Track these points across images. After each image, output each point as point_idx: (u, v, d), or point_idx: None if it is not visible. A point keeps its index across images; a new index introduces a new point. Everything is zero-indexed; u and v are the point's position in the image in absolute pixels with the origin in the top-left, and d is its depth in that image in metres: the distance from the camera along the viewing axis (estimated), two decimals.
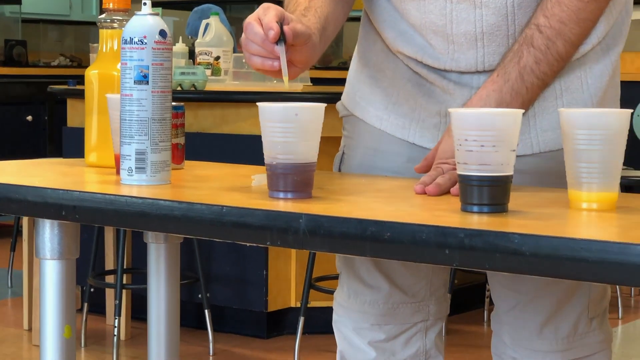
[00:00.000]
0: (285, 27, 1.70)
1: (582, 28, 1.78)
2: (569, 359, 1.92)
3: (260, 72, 1.76)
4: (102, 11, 2.04)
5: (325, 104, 1.63)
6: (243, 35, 1.74)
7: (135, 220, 1.60)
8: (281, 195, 1.58)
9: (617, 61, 1.90)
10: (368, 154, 1.98)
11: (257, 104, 1.60)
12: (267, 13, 1.71)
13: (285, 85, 1.70)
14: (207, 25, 4.84)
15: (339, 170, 2.03)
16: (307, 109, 1.59)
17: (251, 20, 1.72)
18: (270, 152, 1.58)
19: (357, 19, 2.06)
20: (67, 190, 1.67)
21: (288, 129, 1.57)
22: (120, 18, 2.00)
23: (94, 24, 9.26)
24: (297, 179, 1.58)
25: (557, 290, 1.90)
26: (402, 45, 1.89)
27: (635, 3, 1.98)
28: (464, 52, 1.83)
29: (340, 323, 2.06)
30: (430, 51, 1.86)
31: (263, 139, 1.59)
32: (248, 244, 1.52)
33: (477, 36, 1.81)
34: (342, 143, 2.06)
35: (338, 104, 2.07)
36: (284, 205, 1.54)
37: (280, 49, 1.70)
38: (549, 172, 1.83)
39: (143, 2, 1.75)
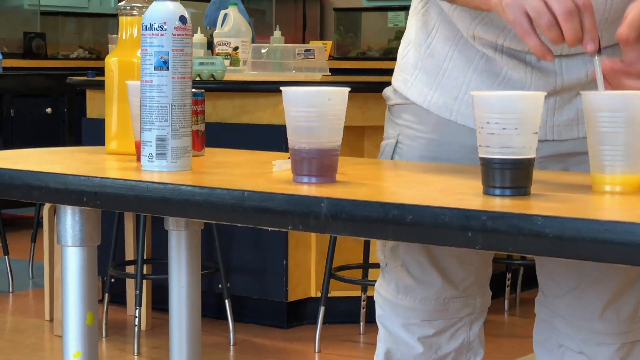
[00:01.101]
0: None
1: None
2: (628, 341, 1.90)
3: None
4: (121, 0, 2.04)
5: (349, 88, 1.63)
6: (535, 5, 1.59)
7: (156, 205, 1.60)
8: (305, 179, 1.58)
9: None
10: (432, 144, 1.92)
11: (281, 88, 1.59)
12: (588, 4, 1.57)
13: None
14: (225, 15, 4.85)
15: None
16: (333, 92, 1.58)
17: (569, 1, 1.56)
18: (295, 136, 1.58)
19: (374, 9, 2.04)
20: (89, 176, 1.68)
21: (312, 113, 1.56)
22: (140, 5, 2.00)
23: (112, 16, 9.29)
24: (321, 164, 1.57)
25: (620, 272, 1.87)
26: (480, 28, 1.83)
27: None
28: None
29: (387, 319, 2.02)
30: (512, 32, 1.79)
31: (287, 124, 1.59)
32: (270, 229, 1.51)
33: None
34: (394, 132, 1.97)
35: (387, 91, 2.00)
36: (305, 189, 1.53)
37: (597, 61, 1.60)
38: (570, 155, 1.81)
39: None
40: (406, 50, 1.99)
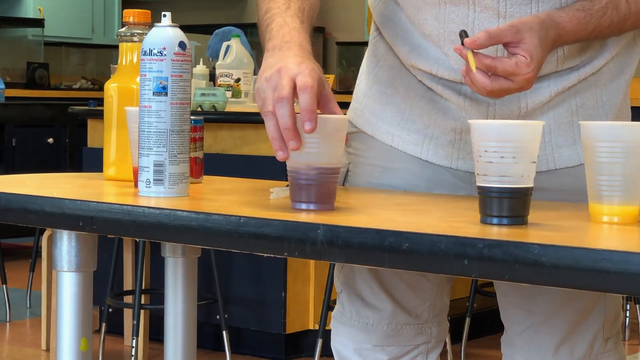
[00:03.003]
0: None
1: None
2: None
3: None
4: (122, 25, 2.04)
5: (348, 116, 1.63)
6: (262, 83, 1.61)
7: (153, 230, 1.60)
8: (304, 206, 1.57)
9: (629, 81, 1.90)
10: (376, 171, 1.95)
11: None
12: (307, 85, 1.57)
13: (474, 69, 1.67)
14: (227, 47, 4.86)
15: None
16: (332, 119, 1.58)
17: (287, 86, 1.58)
18: (294, 163, 1.58)
19: None
20: (85, 200, 1.67)
21: (312, 139, 1.56)
22: (140, 31, 2.00)
23: (116, 47, 9.31)
24: (319, 190, 1.57)
25: (572, 309, 1.87)
26: (416, 58, 1.87)
27: None
28: None
29: (340, 343, 2.02)
30: (446, 63, 1.84)
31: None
32: (266, 256, 1.50)
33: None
34: (346, 160, 2.00)
35: None
36: (301, 215, 1.53)
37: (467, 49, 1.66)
38: (565, 189, 1.81)
39: (163, 14, 1.75)
40: (359, 80, 2.04)
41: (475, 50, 1.66)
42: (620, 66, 1.87)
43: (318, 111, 1.60)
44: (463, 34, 1.67)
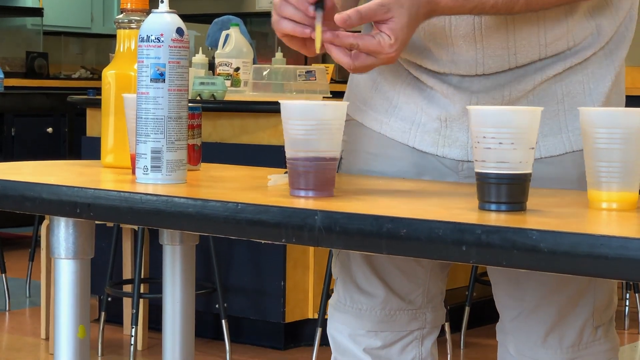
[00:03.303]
0: None
1: (547, 2, 1.75)
2: None
3: (285, 40, 1.71)
4: (120, 12, 2.03)
5: (347, 102, 1.63)
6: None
7: (150, 217, 1.59)
8: (302, 193, 1.57)
9: (622, 67, 1.88)
10: (368, 158, 1.95)
11: (280, 101, 1.59)
12: None
13: (317, 50, 1.67)
14: (227, 36, 4.85)
15: None
16: (331, 106, 1.58)
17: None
18: (292, 149, 1.57)
19: None
20: (82, 187, 1.66)
21: (310, 126, 1.56)
22: (138, 18, 1.99)
23: (114, 36, 9.30)
24: (318, 177, 1.56)
25: (561, 298, 1.87)
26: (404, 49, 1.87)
27: None
28: (463, 54, 1.81)
29: (335, 329, 2.03)
30: (429, 54, 1.84)
31: (285, 137, 1.58)
32: (263, 242, 1.50)
33: (476, 37, 1.79)
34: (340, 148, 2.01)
35: None
36: (299, 202, 1.52)
37: (318, 14, 1.65)
38: (550, 178, 1.81)
39: (160, 0, 1.74)
40: None
41: (341, 30, 1.67)
42: (609, 52, 1.86)
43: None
44: (319, 4, 1.66)
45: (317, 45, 1.67)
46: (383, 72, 1.93)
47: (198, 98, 4.23)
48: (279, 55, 5.15)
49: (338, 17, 1.66)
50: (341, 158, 1.98)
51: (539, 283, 1.86)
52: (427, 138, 1.88)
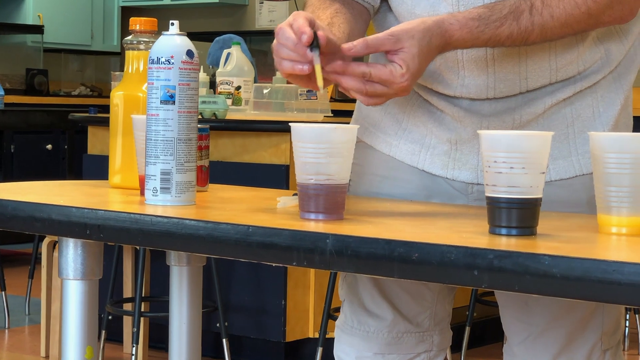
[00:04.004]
0: (319, 32, 1.66)
1: (561, 33, 1.76)
2: None
3: (290, 79, 1.73)
4: (125, 34, 2.04)
5: (357, 126, 1.63)
6: (275, 41, 1.71)
7: (160, 239, 1.59)
8: (312, 216, 1.57)
9: (630, 91, 1.89)
10: (376, 180, 1.96)
11: (290, 124, 1.59)
12: (297, 19, 1.68)
13: (320, 89, 1.68)
14: (228, 55, 4.85)
15: None
16: (341, 130, 1.58)
17: (283, 25, 1.69)
18: (302, 172, 1.57)
19: None
20: (92, 209, 1.67)
21: (320, 149, 1.56)
22: (147, 40, 2.00)
23: (115, 54, 9.32)
24: (328, 200, 1.57)
25: (570, 321, 1.87)
26: None
27: None
28: (474, 78, 1.82)
29: (342, 351, 2.03)
30: (440, 78, 1.85)
31: (295, 160, 1.59)
32: (273, 265, 1.50)
33: (487, 62, 1.80)
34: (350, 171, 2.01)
35: None
36: (310, 225, 1.52)
37: (315, 54, 1.67)
38: (560, 201, 1.81)
39: (170, 22, 1.75)
40: None
41: (353, 59, 1.68)
42: (617, 76, 1.87)
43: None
44: (314, 44, 1.67)
45: (320, 83, 1.68)
46: None
47: (200, 117, 4.23)
48: (279, 74, 5.15)
49: (345, 45, 1.67)
50: (350, 180, 1.98)
51: (548, 306, 1.86)
52: (436, 161, 1.88)
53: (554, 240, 1.44)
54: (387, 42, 1.68)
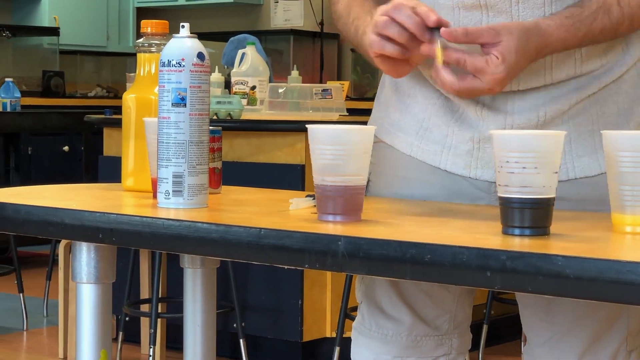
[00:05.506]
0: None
1: None
2: None
3: (378, 60, 1.73)
4: (140, 36, 2.04)
5: (374, 127, 1.63)
6: (381, 17, 1.69)
7: (173, 242, 1.59)
8: (330, 218, 1.57)
9: None
10: (396, 181, 1.94)
11: (307, 126, 1.59)
12: (419, 4, 1.68)
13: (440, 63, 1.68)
14: (243, 55, 4.86)
15: None
16: (357, 131, 1.58)
17: (402, 2, 1.68)
18: (320, 174, 1.57)
19: None
20: (104, 212, 1.67)
21: (338, 151, 1.56)
22: (158, 42, 2.00)
23: (130, 55, 9.33)
24: (346, 202, 1.56)
25: (594, 321, 1.85)
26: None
27: None
28: None
29: (360, 354, 2.01)
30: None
31: (312, 162, 1.58)
32: (286, 267, 1.50)
33: None
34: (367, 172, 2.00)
35: None
36: (322, 227, 1.52)
37: (437, 37, 1.67)
38: (585, 199, 1.80)
39: (181, 25, 1.75)
40: (379, 89, 2.04)
41: (448, 45, 1.66)
42: None
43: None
44: (435, 30, 1.67)
45: (440, 63, 1.68)
46: (414, 94, 1.92)
47: (215, 117, 4.23)
48: (294, 73, 5.16)
49: (444, 30, 1.66)
50: (369, 181, 1.97)
51: (571, 306, 1.84)
52: (458, 161, 1.86)
53: (568, 240, 1.43)
54: (487, 33, 1.67)
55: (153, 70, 2.00)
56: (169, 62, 1.73)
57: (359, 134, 1.58)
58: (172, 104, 1.72)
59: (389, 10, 1.69)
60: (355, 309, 4.05)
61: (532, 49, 1.70)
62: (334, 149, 1.56)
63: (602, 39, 1.76)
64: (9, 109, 6.03)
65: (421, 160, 1.90)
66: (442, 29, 1.66)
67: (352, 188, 1.56)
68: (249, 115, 4.53)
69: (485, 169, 1.84)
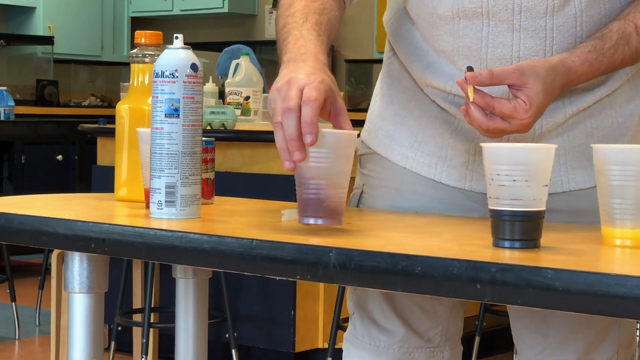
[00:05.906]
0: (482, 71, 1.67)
1: None
2: None
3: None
4: (133, 47, 2.05)
5: (359, 131, 1.63)
6: (273, 94, 1.61)
7: (165, 253, 1.60)
8: (311, 221, 1.57)
9: None
10: (390, 193, 1.95)
11: None
12: (310, 97, 1.56)
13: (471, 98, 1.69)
14: (237, 65, 4.86)
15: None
16: (338, 134, 1.58)
17: (294, 97, 1.57)
18: (302, 177, 1.58)
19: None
20: (97, 222, 1.67)
21: (319, 153, 1.56)
22: (152, 53, 2.00)
23: (124, 64, 9.34)
24: (327, 205, 1.57)
25: (587, 333, 1.86)
26: (431, 76, 1.86)
27: None
28: None
29: None
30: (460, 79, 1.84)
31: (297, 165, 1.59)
32: (278, 279, 1.50)
33: (512, 60, 1.78)
34: (360, 182, 2.01)
35: (357, 142, 2.02)
36: (314, 239, 1.53)
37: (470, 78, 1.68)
38: (579, 211, 1.81)
39: (175, 36, 1.76)
40: (373, 101, 2.04)
41: (476, 87, 1.67)
42: (636, 88, 1.86)
43: (326, 125, 1.60)
44: (468, 69, 1.68)
45: (471, 97, 1.68)
46: (409, 106, 1.92)
47: (208, 127, 4.24)
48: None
49: (469, 75, 1.67)
50: (363, 192, 1.98)
51: (565, 318, 1.84)
52: (454, 173, 1.87)
53: (557, 252, 1.44)
54: (513, 75, 1.68)
55: (147, 81, 2.00)
56: (163, 72, 1.73)
57: (340, 138, 1.57)
58: (165, 114, 1.73)
59: (284, 98, 1.59)
60: (348, 320, 4.05)
61: (558, 87, 1.71)
62: (314, 151, 1.56)
63: (622, 67, 1.78)
64: (2, 118, 6.04)
65: (416, 172, 1.91)
66: (467, 73, 1.67)
67: (332, 191, 1.56)
68: (242, 125, 4.53)
69: (480, 181, 1.85)
